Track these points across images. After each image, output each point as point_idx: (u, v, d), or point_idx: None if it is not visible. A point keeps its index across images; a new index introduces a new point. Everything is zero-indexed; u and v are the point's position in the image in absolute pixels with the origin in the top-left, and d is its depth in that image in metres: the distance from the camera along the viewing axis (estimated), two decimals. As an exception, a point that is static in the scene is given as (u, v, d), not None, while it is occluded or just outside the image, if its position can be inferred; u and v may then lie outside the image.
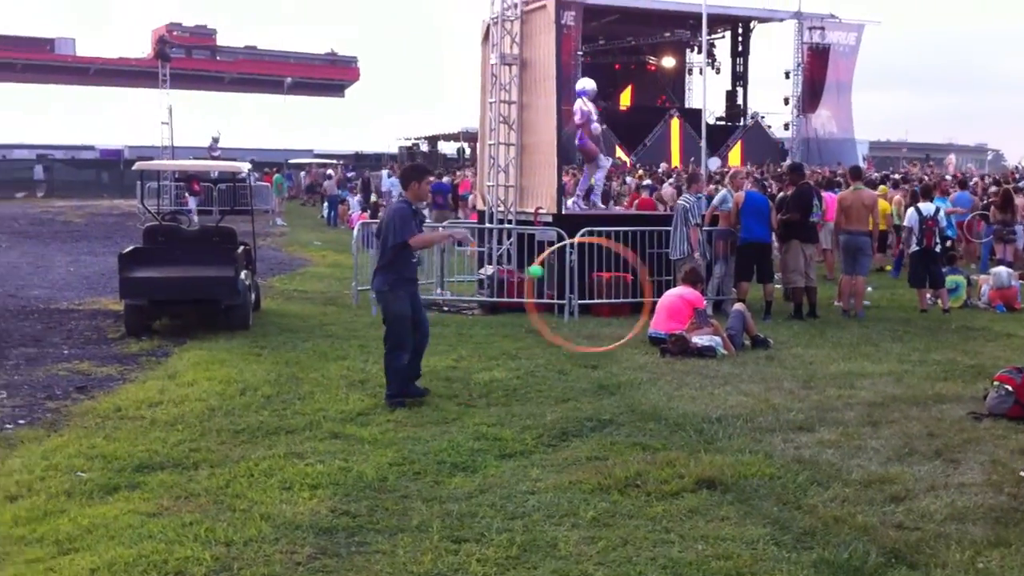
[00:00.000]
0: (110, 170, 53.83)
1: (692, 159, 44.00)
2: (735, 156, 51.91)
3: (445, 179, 33.30)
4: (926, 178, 28.71)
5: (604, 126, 53.10)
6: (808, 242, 14.14)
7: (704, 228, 14.30)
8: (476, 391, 9.21)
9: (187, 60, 79.21)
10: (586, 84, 16.04)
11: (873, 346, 11.72)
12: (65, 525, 5.72)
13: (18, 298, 15.61)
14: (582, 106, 15.48)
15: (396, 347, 8.78)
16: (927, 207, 15.06)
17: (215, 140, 46.14)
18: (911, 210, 15.50)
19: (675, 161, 48.02)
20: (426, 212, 29.17)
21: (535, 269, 8.93)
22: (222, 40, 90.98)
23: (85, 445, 7.35)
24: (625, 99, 59.37)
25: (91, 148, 66.61)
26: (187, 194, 34.68)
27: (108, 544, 5.40)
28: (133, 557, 5.18)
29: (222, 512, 5.95)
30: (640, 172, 39.86)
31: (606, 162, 16.64)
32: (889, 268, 20.40)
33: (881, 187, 23.67)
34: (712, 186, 23.91)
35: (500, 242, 15.02)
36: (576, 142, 15.89)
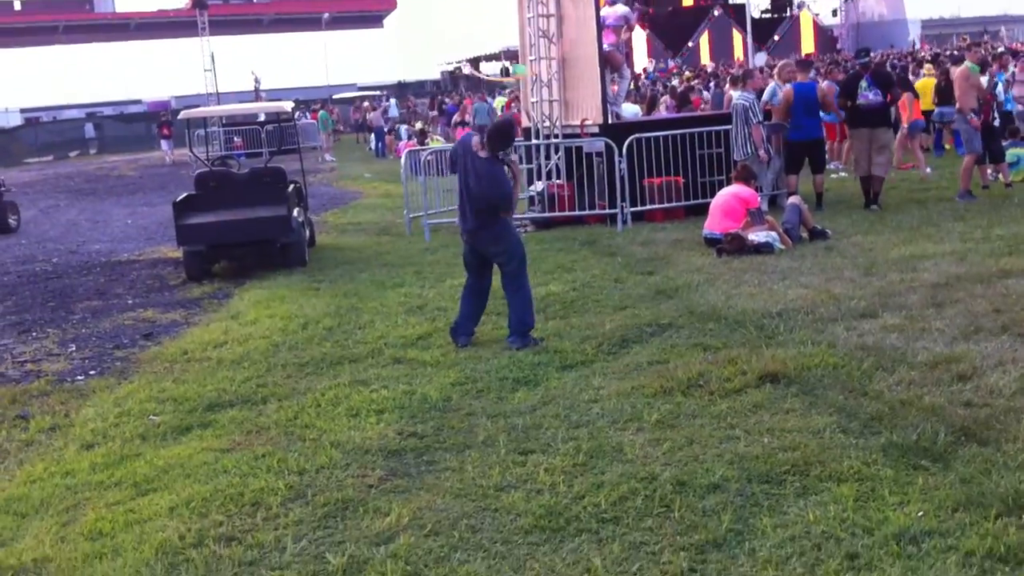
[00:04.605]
0: (159, 122, 54.20)
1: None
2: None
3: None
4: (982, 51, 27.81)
5: (646, 31, 52.12)
6: (859, 127, 13.60)
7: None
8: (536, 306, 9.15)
9: (224, 6, 79.16)
10: None
11: (934, 227, 11.48)
12: (142, 467, 5.87)
13: (79, 254, 15.89)
14: (610, 11, 15.10)
15: None
16: (984, 81, 14.63)
17: (257, 81, 46.32)
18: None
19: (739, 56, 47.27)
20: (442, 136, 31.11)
21: None
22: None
23: (155, 389, 7.52)
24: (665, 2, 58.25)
25: (139, 102, 67.10)
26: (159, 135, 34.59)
27: (184, 482, 5.53)
28: (210, 492, 5.30)
29: (293, 443, 6.06)
30: (687, 75, 39.30)
31: (627, 72, 16.32)
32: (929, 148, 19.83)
33: (927, 65, 22.99)
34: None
35: (548, 157, 14.89)
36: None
